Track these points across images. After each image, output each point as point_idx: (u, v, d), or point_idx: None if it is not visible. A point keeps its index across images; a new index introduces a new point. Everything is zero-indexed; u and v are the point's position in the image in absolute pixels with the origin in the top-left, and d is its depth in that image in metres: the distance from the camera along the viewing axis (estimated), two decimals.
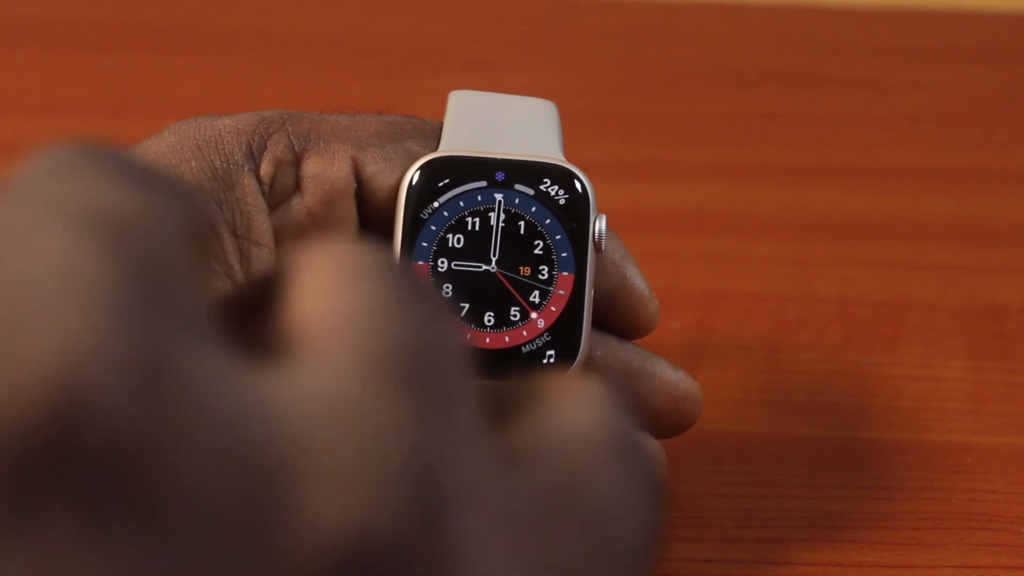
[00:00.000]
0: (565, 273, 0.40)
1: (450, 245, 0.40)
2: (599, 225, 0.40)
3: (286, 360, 0.20)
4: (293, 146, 0.40)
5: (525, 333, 0.40)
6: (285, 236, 0.40)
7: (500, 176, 0.40)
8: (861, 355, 0.54)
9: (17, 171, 0.20)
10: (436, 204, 0.40)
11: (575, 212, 0.40)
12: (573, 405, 0.22)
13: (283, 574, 0.18)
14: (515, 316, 0.40)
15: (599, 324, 0.41)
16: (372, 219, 0.41)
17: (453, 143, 0.41)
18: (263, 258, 0.38)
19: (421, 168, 0.40)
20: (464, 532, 0.19)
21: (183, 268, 0.20)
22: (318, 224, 0.40)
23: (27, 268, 0.19)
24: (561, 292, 0.40)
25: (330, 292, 0.21)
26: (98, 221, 0.19)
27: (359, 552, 0.18)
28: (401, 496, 0.19)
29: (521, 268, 0.40)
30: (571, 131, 0.44)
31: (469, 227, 0.40)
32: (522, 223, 0.40)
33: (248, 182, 0.39)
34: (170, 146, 0.39)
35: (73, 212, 0.19)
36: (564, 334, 0.40)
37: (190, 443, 0.18)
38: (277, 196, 0.39)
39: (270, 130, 0.40)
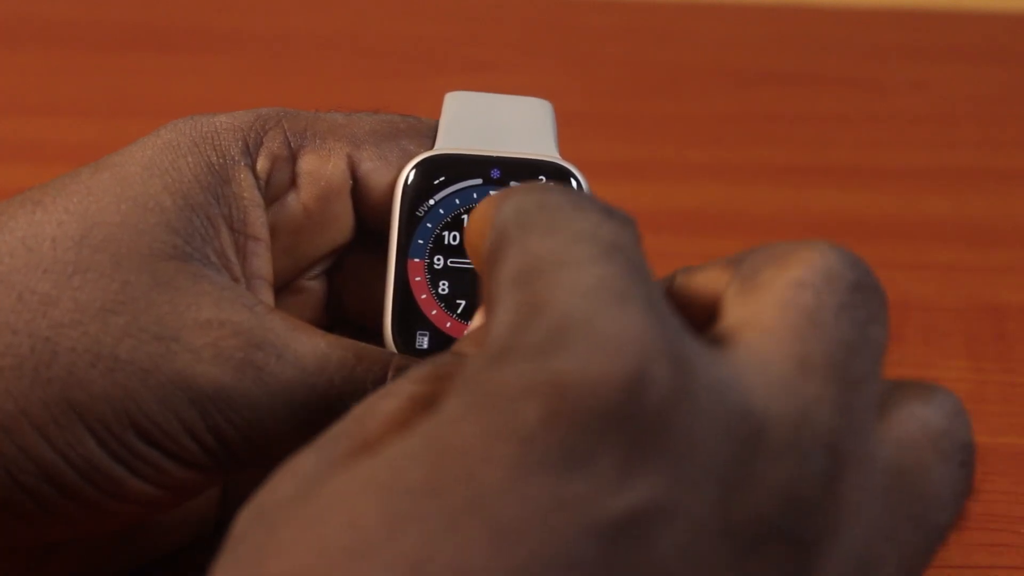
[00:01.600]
0: None
1: (446, 242, 0.40)
2: None
3: (733, 345, 0.27)
4: (289, 143, 0.40)
5: None
6: (281, 232, 0.40)
7: (495, 174, 0.41)
8: None
9: (517, 204, 0.28)
10: (432, 201, 0.40)
11: None
12: (927, 403, 0.29)
13: (747, 507, 0.25)
14: None
15: None
16: (368, 216, 0.41)
17: (448, 142, 0.41)
18: (259, 252, 0.38)
19: (417, 166, 0.40)
20: (856, 493, 0.26)
21: (650, 272, 0.27)
22: (313, 220, 0.40)
23: (578, 279, 0.26)
24: None
25: (776, 290, 0.28)
26: (605, 243, 0.27)
27: (791, 502, 0.26)
28: (820, 464, 0.26)
29: None
30: (571, 131, 0.44)
31: (465, 224, 0.40)
32: None
33: (244, 177, 0.39)
34: (167, 143, 0.39)
35: (588, 237, 0.27)
36: None
37: (699, 406, 0.25)
38: (273, 192, 0.40)
39: (266, 127, 0.40)
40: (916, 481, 0.28)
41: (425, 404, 0.28)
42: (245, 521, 0.27)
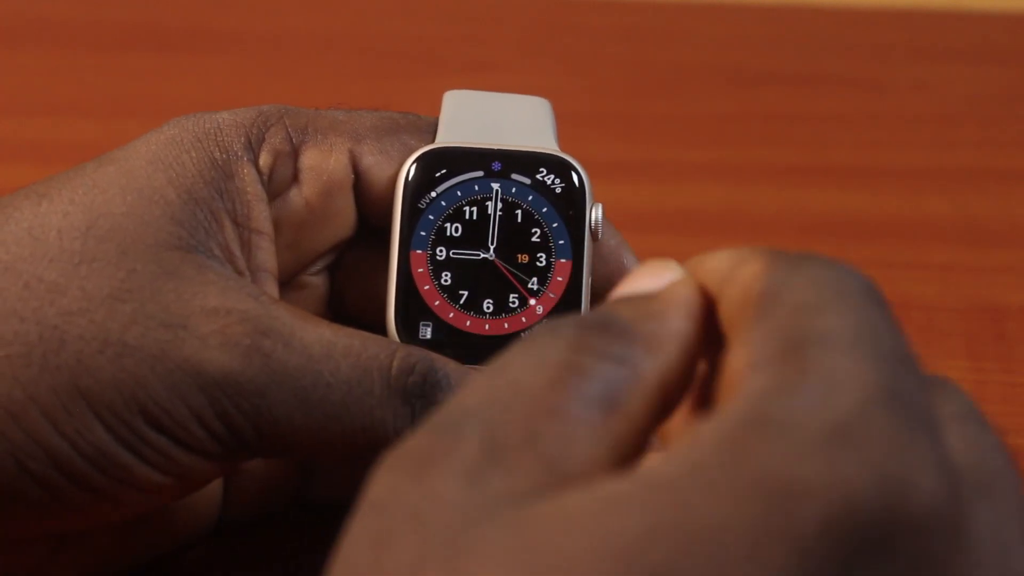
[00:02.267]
0: (562, 260, 0.40)
1: (448, 234, 0.40)
2: (596, 213, 0.40)
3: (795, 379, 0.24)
4: (291, 138, 0.40)
5: (524, 320, 0.40)
6: (283, 227, 0.40)
7: (497, 166, 0.41)
8: None
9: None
10: (434, 194, 0.40)
11: (571, 200, 0.40)
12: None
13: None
14: (514, 303, 0.40)
15: None
16: (370, 211, 0.41)
17: (448, 137, 0.41)
18: (263, 246, 0.39)
19: (418, 159, 0.40)
20: (981, 516, 0.24)
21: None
22: (316, 215, 0.40)
23: (861, 373, 0.24)
24: (559, 279, 0.40)
25: (831, 314, 0.26)
26: (888, 345, 0.25)
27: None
28: (932, 482, 0.23)
29: (519, 256, 0.40)
30: (571, 131, 0.44)
31: (467, 216, 0.40)
32: (519, 212, 0.40)
33: (247, 172, 0.39)
34: (170, 138, 0.39)
35: (876, 334, 0.25)
36: None
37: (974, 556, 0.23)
38: (275, 187, 0.40)
39: (268, 123, 0.40)
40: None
41: (631, 446, 0.26)
42: (410, 548, 0.24)
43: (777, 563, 0.22)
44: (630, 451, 0.26)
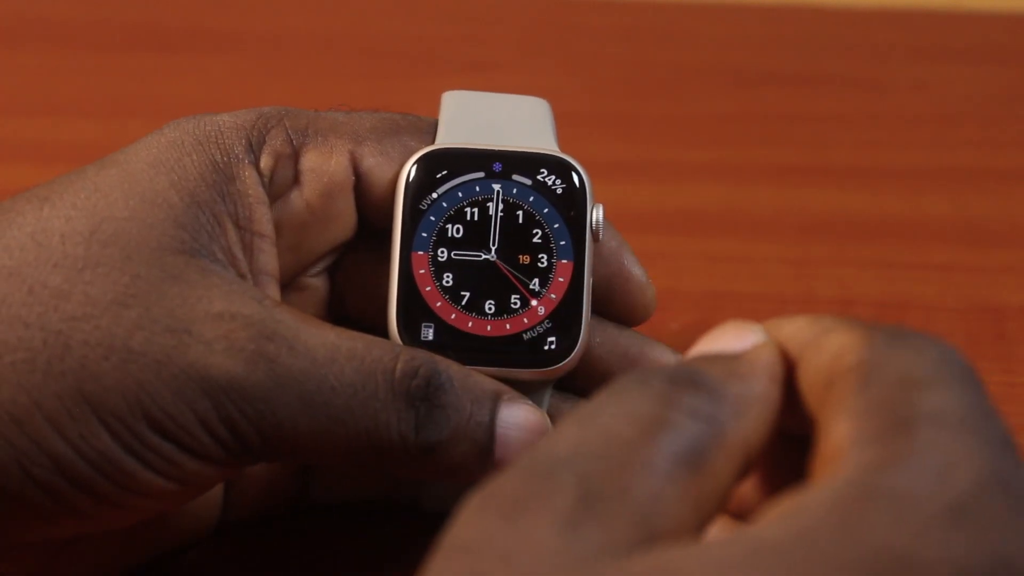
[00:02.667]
0: (564, 261, 0.40)
1: (449, 235, 0.40)
2: (596, 214, 0.40)
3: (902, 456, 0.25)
4: (291, 140, 0.40)
5: (526, 320, 0.40)
6: (284, 229, 0.40)
7: (497, 167, 0.41)
8: None
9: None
10: (435, 195, 0.40)
11: (572, 201, 0.40)
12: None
13: None
14: (515, 304, 0.40)
15: (598, 311, 0.41)
16: (370, 212, 0.41)
17: (448, 138, 0.41)
18: (265, 248, 0.39)
19: (419, 161, 0.40)
20: None
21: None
22: (317, 217, 0.40)
23: (976, 456, 0.25)
24: (560, 280, 0.40)
25: (936, 392, 0.26)
26: (999, 434, 0.26)
27: None
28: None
29: (520, 257, 0.40)
30: (571, 131, 0.44)
31: (468, 217, 0.40)
32: (520, 212, 0.40)
33: (249, 174, 0.39)
34: (171, 141, 0.39)
35: (987, 420, 0.26)
36: (564, 321, 0.40)
37: None
38: (276, 189, 0.40)
39: (268, 125, 0.40)
40: None
41: (712, 506, 0.26)
42: None
43: None
44: (711, 512, 0.27)
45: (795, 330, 0.29)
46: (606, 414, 0.27)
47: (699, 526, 0.26)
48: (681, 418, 0.27)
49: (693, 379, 0.28)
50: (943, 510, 0.24)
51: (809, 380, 0.28)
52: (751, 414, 0.28)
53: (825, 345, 0.28)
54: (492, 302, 0.40)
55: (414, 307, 0.40)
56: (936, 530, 0.23)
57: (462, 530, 0.25)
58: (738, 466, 0.27)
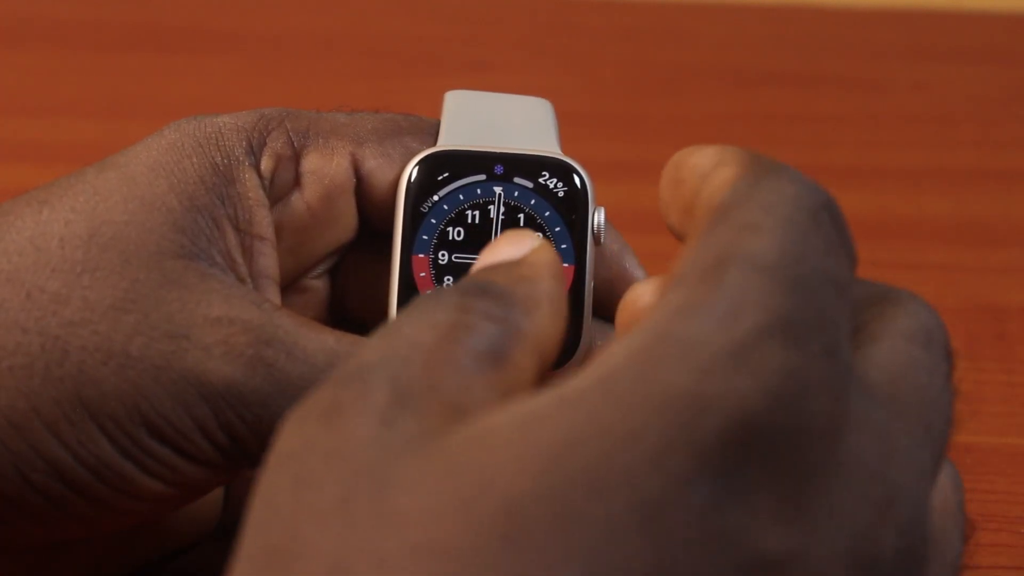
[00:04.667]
0: (565, 264, 0.40)
1: (450, 238, 0.40)
2: (598, 217, 0.40)
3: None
4: (292, 142, 0.40)
5: None
6: (285, 231, 0.40)
7: (499, 170, 0.41)
8: None
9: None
10: (436, 198, 0.40)
11: (574, 204, 0.40)
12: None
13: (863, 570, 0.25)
14: None
15: (599, 314, 0.41)
16: (371, 214, 0.41)
17: (450, 139, 0.41)
18: (265, 251, 0.39)
19: (420, 163, 0.40)
20: (871, 427, 0.26)
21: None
22: (318, 219, 0.40)
23: (774, 296, 0.26)
24: None
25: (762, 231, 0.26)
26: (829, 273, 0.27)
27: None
28: (957, 548, 0.27)
29: None
30: (571, 131, 0.44)
31: (469, 220, 0.40)
32: (521, 216, 0.40)
33: (249, 177, 0.39)
34: (171, 143, 0.39)
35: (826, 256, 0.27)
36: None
37: (851, 473, 0.25)
38: (277, 191, 0.40)
39: (269, 127, 0.40)
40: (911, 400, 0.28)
41: (517, 387, 0.27)
42: (334, 485, 0.25)
43: (681, 469, 0.24)
44: None
45: (699, 160, 0.30)
46: (407, 325, 0.28)
47: None
48: (477, 320, 0.28)
49: (482, 287, 0.29)
50: (723, 353, 0.25)
51: (697, 216, 0.29)
52: (541, 311, 0.29)
53: (713, 180, 0.29)
54: None
55: None
56: (719, 371, 0.25)
57: (285, 441, 0.26)
58: (538, 359, 0.29)
